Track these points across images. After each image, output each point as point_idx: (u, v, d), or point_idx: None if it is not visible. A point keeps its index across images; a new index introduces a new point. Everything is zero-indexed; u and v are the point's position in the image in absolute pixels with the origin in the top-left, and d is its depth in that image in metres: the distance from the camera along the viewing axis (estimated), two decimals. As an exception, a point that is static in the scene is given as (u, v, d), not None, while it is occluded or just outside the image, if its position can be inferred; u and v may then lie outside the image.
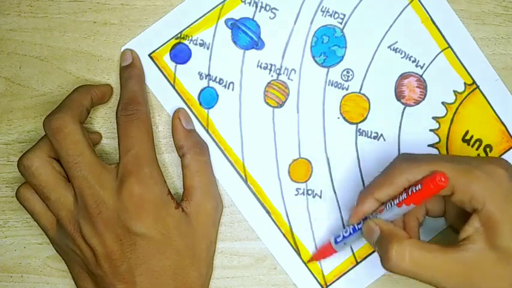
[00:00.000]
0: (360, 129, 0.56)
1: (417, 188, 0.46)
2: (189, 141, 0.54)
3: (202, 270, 0.53)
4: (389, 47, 0.55)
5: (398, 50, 0.55)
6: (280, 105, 0.56)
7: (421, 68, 0.56)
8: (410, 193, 0.47)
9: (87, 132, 0.51)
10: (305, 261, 0.56)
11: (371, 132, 0.56)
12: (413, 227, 0.52)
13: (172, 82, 0.55)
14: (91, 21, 0.55)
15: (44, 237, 0.55)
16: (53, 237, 0.53)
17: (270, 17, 0.55)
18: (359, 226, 0.51)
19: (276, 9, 0.55)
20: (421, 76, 0.56)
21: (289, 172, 0.57)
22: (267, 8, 0.55)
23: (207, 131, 0.56)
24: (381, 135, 0.56)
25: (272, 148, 0.56)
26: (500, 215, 0.45)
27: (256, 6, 0.55)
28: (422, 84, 0.56)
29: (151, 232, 0.50)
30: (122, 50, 0.55)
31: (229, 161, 0.56)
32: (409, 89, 0.56)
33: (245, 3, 0.55)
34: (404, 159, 0.49)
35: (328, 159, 0.57)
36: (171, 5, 0.54)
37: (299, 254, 0.57)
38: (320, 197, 0.57)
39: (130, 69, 0.54)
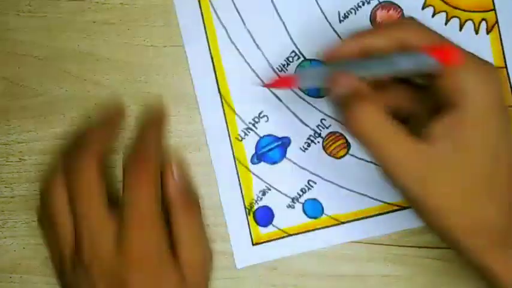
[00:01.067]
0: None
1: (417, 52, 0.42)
2: (178, 195, 0.52)
3: None
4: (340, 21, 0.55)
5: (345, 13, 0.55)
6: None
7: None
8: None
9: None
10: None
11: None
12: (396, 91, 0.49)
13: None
14: (90, 20, 0.55)
15: (43, 237, 0.56)
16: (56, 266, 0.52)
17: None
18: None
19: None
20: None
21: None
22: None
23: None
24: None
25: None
26: (477, 121, 0.43)
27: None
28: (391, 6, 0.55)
29: None
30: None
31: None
32: (386, 20, 0.55)
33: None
34: (412, 19, 0.46)
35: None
36: (171, 4, 0.54)
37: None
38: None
39: (153, 117, 0.54)
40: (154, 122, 0.54)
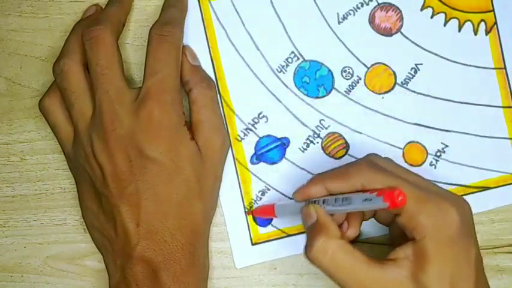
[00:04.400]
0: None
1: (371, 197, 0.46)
2: (196, 76, 0.54)
3: (207, 205, 0.53)
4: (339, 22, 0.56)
5: (344, 15, 0.55)
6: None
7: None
8: None
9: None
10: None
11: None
12: (356, 220, 0.51)
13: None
14: (91, 21, 0.55)
15: (44, 237, 0.56)
16: (68, 152, 0.53)
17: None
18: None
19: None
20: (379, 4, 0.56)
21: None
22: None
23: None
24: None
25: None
26: (434, 254, 0.45)
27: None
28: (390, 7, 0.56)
29: (164, 158, 0.50)
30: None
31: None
32: (385, 21, 0.55)
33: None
34: (369, 164, 0.49)
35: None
36: (171, 5, 0.55)
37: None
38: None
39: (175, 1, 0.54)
40: (178, 4, 0.54)
